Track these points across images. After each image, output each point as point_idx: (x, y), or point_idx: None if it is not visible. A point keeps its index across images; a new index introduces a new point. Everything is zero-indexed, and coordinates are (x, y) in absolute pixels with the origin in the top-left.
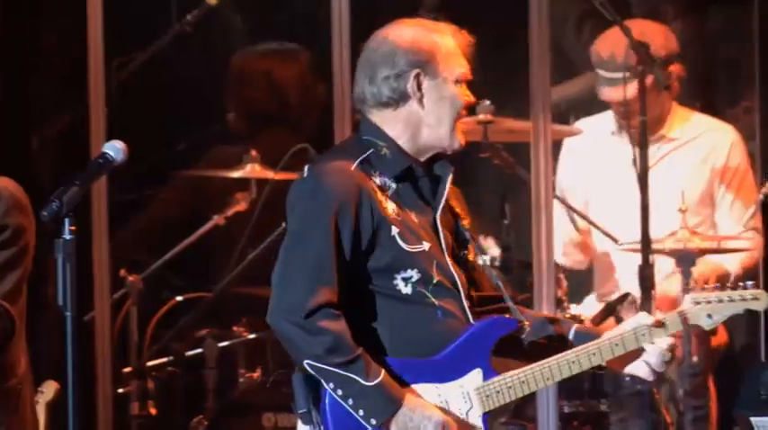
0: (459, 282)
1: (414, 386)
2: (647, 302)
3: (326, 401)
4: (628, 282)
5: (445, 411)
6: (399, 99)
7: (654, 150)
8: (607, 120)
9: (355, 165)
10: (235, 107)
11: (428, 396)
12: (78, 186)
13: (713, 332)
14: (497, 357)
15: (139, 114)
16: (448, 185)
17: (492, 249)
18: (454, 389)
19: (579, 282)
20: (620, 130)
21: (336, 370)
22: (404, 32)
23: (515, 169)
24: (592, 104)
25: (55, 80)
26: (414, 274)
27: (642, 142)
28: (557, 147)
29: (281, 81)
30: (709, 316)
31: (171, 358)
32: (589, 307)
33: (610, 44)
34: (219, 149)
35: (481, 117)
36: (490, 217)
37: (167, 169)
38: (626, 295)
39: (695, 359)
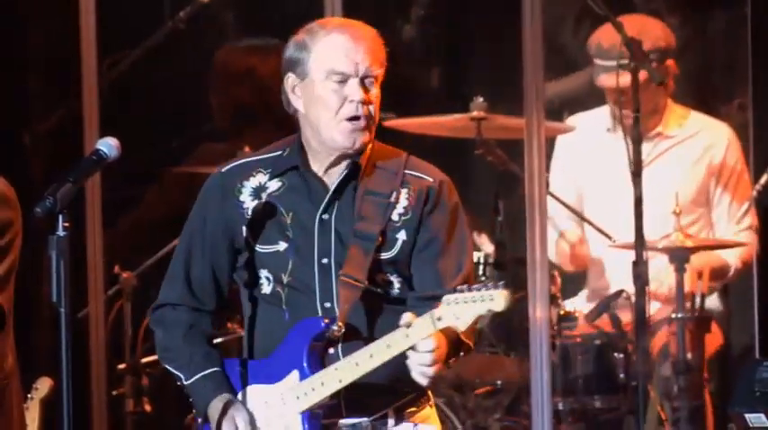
0: (317, 285)
1: (249, 387)
2: (640, 298)
3: None
4: (621, 279)
5: (263, 413)
6: (288, 103)
7: (650, 148)
8: (602, 116)
9: (229, 167)
10: (219, 104)
11: (256, 397)
12: (72, 183)
13: (707, 330)
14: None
15: (132, 112)
16: (332, 187)
17: (485, 246)
18: (276, 390)
19: (573, 279)
20: (616, 127)
21: (168, 366)
22: (295, 35)
23: (509, 166)
24: (586, 101)
25: (47, 78)
26: (268, 274)
27: (635, 137)
28: (550, 143)
29: (264, 77)
30: (457, 317)
31: None
32: (581, 303)
33: (611, 34)
34: (208, 146)
35: (474, 114)
36: (484, 214)
37: (160, 166)
38: (620, 292)
39: (689, 356)
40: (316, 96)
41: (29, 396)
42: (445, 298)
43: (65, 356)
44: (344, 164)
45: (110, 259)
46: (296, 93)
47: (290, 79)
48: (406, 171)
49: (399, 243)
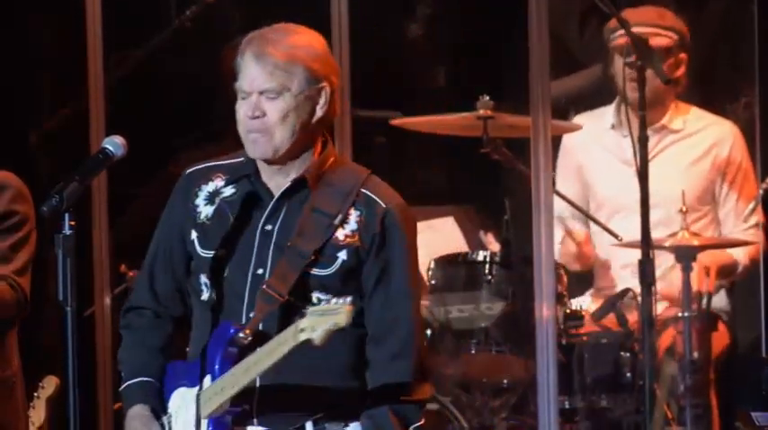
0: (246, 295)
1: (177, 389)
2: (647, 297)
3: None
4: (627, 278)
5: (183, 416)
6: None
7: (655, 141)
8: (606, 114)
9: (193, 169)
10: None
11: (180, 399)
12: (78, 182)
13: (714, 328)
14: None
15: (138, 110)
16: (272, 201)
17: (492, 244)
18: (193, 393)
19: (579, 277)
20: (621, 122)
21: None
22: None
23: (515, 164)
24: (593, 100)
25: (53, 76)
26: (206, 280)
27: (642, 137)
28: (557, 142)
29: None
30: (313, 329)
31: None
32: (588, 302)
33: (628, 16)
34: (213, 146)
35: (481, 112)
36: (490, 212)
37: (165, 165)
38: (626, 290)
39: (696, 355)
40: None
41: (35, 394)
42: (310, 309)
43: (71, 355)
44: (290, 177)
45: (116, 258)
46: None
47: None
48: (363, 190)
49: (338, 262)
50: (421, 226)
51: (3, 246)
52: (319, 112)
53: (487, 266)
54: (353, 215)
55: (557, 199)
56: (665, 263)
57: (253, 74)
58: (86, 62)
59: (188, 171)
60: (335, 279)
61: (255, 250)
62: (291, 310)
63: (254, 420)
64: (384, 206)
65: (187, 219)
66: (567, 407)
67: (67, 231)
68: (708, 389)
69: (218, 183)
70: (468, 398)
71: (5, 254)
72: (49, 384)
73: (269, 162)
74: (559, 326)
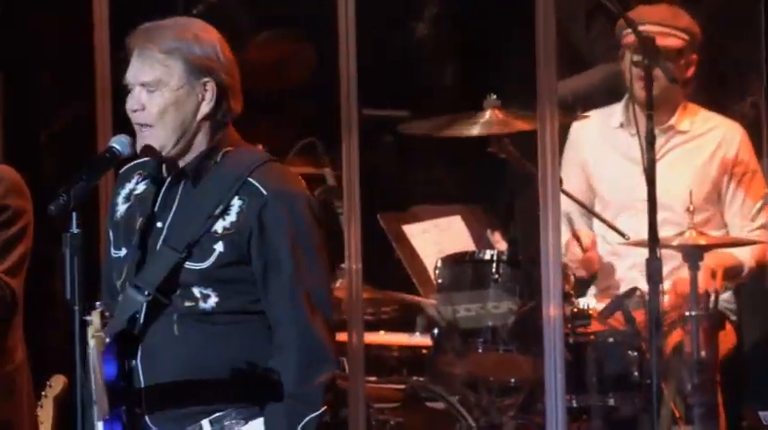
0: (133, 298)
1: None
2: (654, 296)
3: None
4: (635, 278)
5: None
6: None
7: (662, 142)
8: (615, 113)
9: (123, 168)
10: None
11: None
12: (85, 181)
13: (721, 327)
14: None
15: None
16: (162, 191)
17: (499, 243)
18: None
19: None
20: (630, 120)
21: None
22: None
23: (522, 163)
24: (600, 98)
25: (61, 75)
26: (116, 282)
27: (649, 136)
28: (563, 139)
29: (268, 66)
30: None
31: None
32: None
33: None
34: None
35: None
36: (497, 211)
37: None
38: (634, 289)
39: (703, 354)
40: None
41: (42, 394)
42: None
43: (78, 354)
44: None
45: None
46: None
47: None
48: (249, 178)
49: (215, 255)
50: (428, 225)
51: None
52: (205, 109)
53: (495, 265)
54: (236, 205)
55: (563, 196)
56: (671, 262)
57: (135, 66)
58: (93, 62)
59: (120, 170)
60: (213, 271)
61: (149, 248)
62: (159, 307)
63: (147, 421)
64: (264, 195)
65: (109, 219)
66: (574, 405)
67: (75, 230)
68: (715, 387)
69: (135, 180)
70: (476, 397)
71: None
72: (57, 383)
73: (160, 159)
74: (567, 325)
